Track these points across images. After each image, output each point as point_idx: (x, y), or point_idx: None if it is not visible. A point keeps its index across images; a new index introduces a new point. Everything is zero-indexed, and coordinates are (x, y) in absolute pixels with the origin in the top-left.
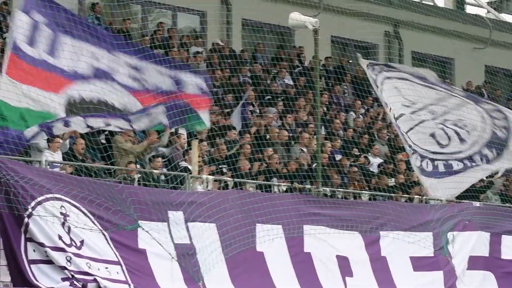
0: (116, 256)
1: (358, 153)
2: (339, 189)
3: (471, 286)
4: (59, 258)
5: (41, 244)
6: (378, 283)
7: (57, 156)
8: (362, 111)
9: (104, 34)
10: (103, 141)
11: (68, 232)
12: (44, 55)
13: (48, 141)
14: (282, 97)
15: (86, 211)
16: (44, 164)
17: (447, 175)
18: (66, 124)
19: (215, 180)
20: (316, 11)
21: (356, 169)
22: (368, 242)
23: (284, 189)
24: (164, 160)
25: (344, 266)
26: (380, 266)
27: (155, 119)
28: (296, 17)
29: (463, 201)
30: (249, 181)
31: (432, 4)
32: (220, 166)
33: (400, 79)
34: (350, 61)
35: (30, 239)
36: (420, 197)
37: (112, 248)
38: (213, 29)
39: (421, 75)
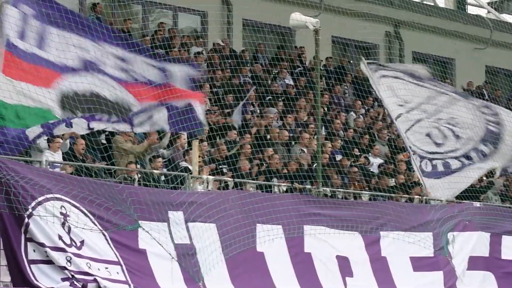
0: (116, 256)
1: (359, 154)
2: (339, 189)
3: (471, 286)
4: (59, 258)
5: (41, 244)
6: (378, 283)
7: (58, 156)
8: (363, 111)
9: (89, 21)
10: (103, 141)
11: (68, 232)
12: (34, 48)
13: (49, 141)
14: (283, 97)
15: (86, 211)
16: (45, 164)
17: (446, 175)
18: (68, 125)
19: (215, 180)
20: (316, 11)
21: (356, 169)
22: (368, 242)
23: (284, 189)
24: (164, 160)
25: (344, 266)
26: (380, 266)
27: (156, 124)
28: (297, 17)
29: (463, 201)
30: (249, 181)
31: (432, 4)
32: (220, 166)
33: (394, 77)
34: (351, 61)
35: (30, 239)
36: (420, 197)
37: (112, 248)
38: (214, 29)
39: (412, 72)
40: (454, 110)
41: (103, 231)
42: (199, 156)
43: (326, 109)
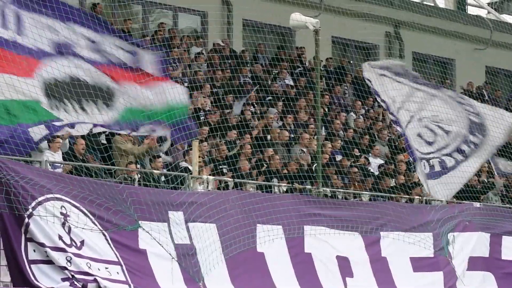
0: (117, 256)
1: (359, 154)
2: (339, 190)
3: (471, 286)
4: (59, 258)
5: (42, 244)
6: (378, 284)
7: (58, 156)
8: (363, 111)
9: (57, 2)
10: (104, 141)
11: (69, 232)
12: (15, 35)
13: (49, 141)
14: (283, 98)
15: (86, 211)
16: (45, 164)
17: (442, 174)
18: (71, 126)
19: (215, 180)
20: (317, 11)
21: (356, 169)
22: (369, 242)
23: (285, 189)
24: (165, 161)
25: (345, 266)
26: (380, 267)
27: (157, 132)
28: (297, 17)
29: (464, 201)
30: (249, 181)
31: (433, 4)
32: (220, 167)
33: (382, 75)
34: (351, 61)
35: (30, 239)
36: (420, 197)
37: (112, 248)
38: (214, 29)
39: (389, 66)
40: (434, 107)
41: (103, 231)
42: (199, 156)
43: (326, 109)
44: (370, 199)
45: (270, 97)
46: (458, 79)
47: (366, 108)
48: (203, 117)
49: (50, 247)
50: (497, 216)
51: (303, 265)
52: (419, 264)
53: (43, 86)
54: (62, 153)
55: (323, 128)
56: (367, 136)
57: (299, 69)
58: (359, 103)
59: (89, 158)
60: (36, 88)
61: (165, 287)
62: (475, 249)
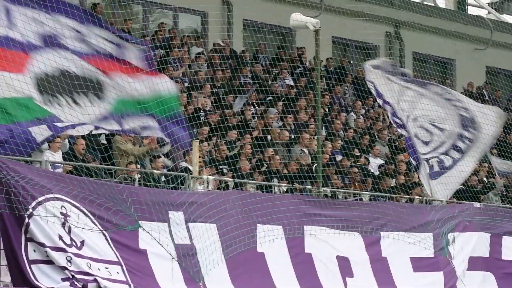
0: (117, 256)
1: (359, 154)
2: (339, 190)
3: (471, 286)
4: (59, 258)
5: (42, 244)
6: (379, 284)
7: (58, 156)
8: (363, 111)
9: None
10: (104, 142)
11: (69, 232)
12: (6, 30)
13: (49, 141)
14: (283, 98)
15: (86, 211)
16: (45, 164)
17: (442, 174)
18: (72, 127)
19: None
20: (317, 11)
21: (356, 169)
22: (369, 242)
23: (285, 189)
24: (165, 160)
25: (345, 266)
26: (380, 267)
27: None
28: (297, 17)
29: (464, 202)
30: (249, 181)
31: (433, 5)
32: (220, 167)
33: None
34: (351, 61)
35: (30, 239)
36: (420, 197)
37: (112, 249)
38: (214, 29)
39: (379, 65)
40: (424, 105)
41: (104, 231)
42: (199, 157)
43: (326, 109)
44: (370, 199)
45: (270, 97)
46: (458, 79)
47: (366, 108)
48: (203, 117)
49: (50, 247)
50: (497, 216)
51: (303, 265)
52: (419, 264)
53: (35, 82)
54: (62, 153)
55: (323, 128)
56: (367, 136)
57: (300, 69)
58: (359, 103)
59: (89, 158)
60: (28, 85)
61: (165, 287)
62: (475, 249)
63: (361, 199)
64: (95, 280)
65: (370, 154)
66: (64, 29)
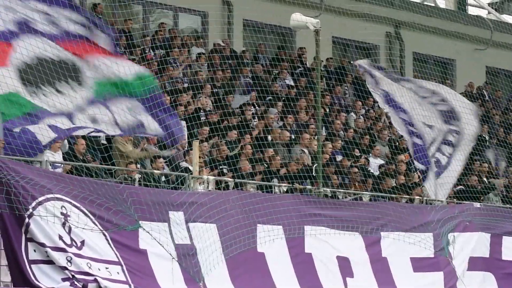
0: (117, 256)
1: (359, 154)
2: (339, 190)
3: (471, 287)
4: (59, 258)
5: (42, 244)
6: (379, 284)
7: (58, 156)
8: (363, 112)
9: None
10: (104, 142)
11: (69, 232)
12: None
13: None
14: (283, 98)
15: (86, 211)
16: (45, 164)
17: (440, 174)
18: (74, 130)
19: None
20: (317, 11)
21: (356, 169)
22: (369, 243)
23: (285, 189)
24: (165, 160)
25: (345, 266)
26: (380, 267)
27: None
28: (297, 17)
29: (464, 202)
30: (250, 181)
31: (433, 5)
32: (220, 167)
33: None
34: (351, 62)
35: (30, 239)
36: (420, 198)
37: (112, 249)
38: (214, 29)
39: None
40: (405, 107)
41: (104, 231)
42: (200, 157)
43: (327, 110)
44: (370, 199)
45: (270, 97)
46: (458, 79)
47: (367, 108)
48: (203, 117)
49: (50, 247)
50: (498, 216)
51: (304, 265)
52: (419, 264)
53: (19, 74)
54: (62, 153)
55: (324, 128)
56: (368, 136)
57: (300, 69)
58: (360, 103)
59: (88, 158)
60: (13, 79)
61: (165, 287)
62: (475, 250)
63: (361, 198)
64: (95, 280)
65: (370, 154)
66: (34, 13)
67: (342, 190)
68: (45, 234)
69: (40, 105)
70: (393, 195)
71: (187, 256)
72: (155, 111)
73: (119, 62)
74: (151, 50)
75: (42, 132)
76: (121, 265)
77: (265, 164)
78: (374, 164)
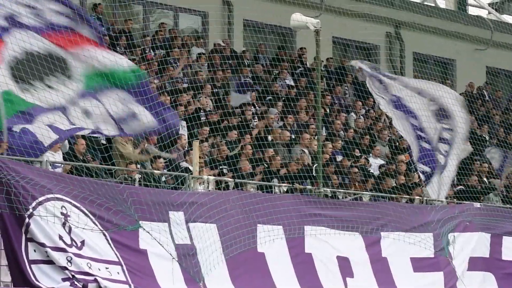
0: (117, 256)
1: (359, 154)
2: (339, 190)
3: (472, 287)
4: (59, 258)
5: (42, 244)
6: (379, 284)
7: (58, 156)
8: (363, 112)
9: None
10: (104, 142)
11: (69, 232)
12: None
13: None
14: (283, 98)
15: (87, 211)
16: (45, 164)
17: (439, 173)
18: (77, 130)
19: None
20: (317, 12)
21: (356, 169)
22: (369, 243)
23: (285, 189)
24: (165, 160)
25: (345, 267)
26: (380, 267)
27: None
28: (297, 18)
29: (464, 202)
30: (250, 181)
31: (433, 5)
32: (221, 167)
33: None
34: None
35: (30, 239)
36: (421, 198)
37: (112, 249)
38: (215, 29)
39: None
40: (415, 112)
41: (104, 231)
42: (200, 157)
43: (327, 110)
44: (370, 199)
45: (270, 97)
46: (458, 79)
47: (367, 109)
48: (203, 117)
49: (50, 247)
50: (498, 216)
51: (304, 265)
52: (419, 265)
53: (10, 72)
54: (63, 153)
55: (324, 128)
56: (368, 137)
57: (300, 69)
58: (360, 103)
59: (88, 158)
60: (5, 77)
61: (165, 287)
62: (475, 250)
63: (361, 198)
64: (95, 280)
65: (371, 155)
66: (20, 7)
67: (342, 190)
68: (45, 234)
69: (32, 101)
70: (393, 195)
71: (187, 256)
72: (148, 105)
73: (105, 54)
74: (151, 50)
75: (43, 132)
76: (121, 265)
77: (265, 164)
78: (374, 164)
